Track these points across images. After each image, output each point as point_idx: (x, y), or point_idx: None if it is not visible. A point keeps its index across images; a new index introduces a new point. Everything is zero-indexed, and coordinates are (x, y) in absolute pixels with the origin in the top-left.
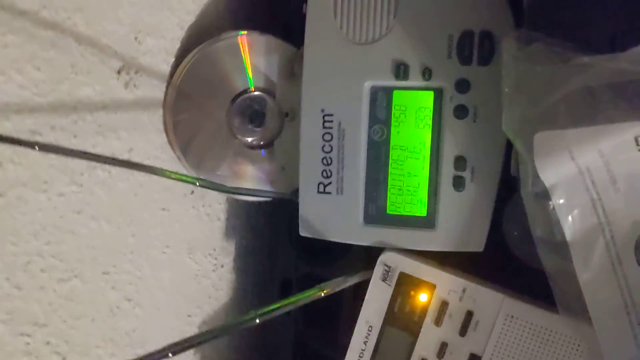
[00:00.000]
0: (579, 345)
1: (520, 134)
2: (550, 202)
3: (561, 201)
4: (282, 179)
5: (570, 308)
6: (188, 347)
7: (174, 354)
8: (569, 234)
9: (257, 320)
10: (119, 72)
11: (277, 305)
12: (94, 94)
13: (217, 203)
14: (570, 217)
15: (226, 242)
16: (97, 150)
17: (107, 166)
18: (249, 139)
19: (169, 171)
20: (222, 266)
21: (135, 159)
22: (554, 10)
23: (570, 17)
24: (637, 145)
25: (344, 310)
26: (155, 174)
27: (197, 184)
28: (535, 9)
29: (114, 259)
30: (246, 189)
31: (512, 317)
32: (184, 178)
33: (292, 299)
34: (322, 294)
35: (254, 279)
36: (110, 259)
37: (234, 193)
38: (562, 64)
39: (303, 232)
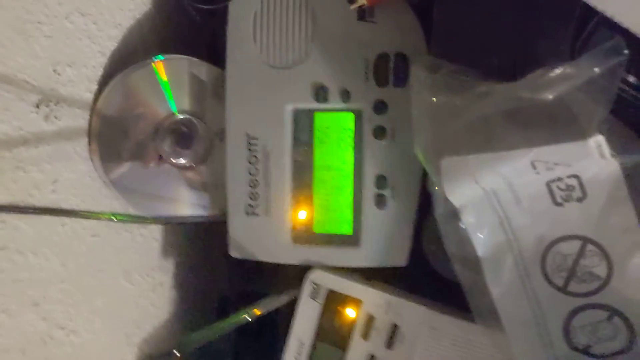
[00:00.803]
0: (497, 354)
1: (429, 158)
2: (460, 221)
3: (471, 220)
4: (216, 197)
5: (485, 319)
6: None
7: None
8: (480, 251)
9: (177, 353)
10: (37, 106)
11: (199, 336)
12: (11, 130)
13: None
14: (480, 235)
15: (164, 260)
16: (18, 185)
17: (29, 199)
18: (179, 161)
19: (82, 211)
20: (160, 284)
21: (61, 189)
22: (458, 38)
23: (473, 44)
24: (534, 169)
25: (280, 325)
26: (68, 216)
27: (115, 219)
28: (441, 36)
29: (44, 290)
30: (166, 217)
31: (434, 328)
32: (100, 216)
33: (219, 325)
34: (249, 319)
35: (195, 295)
36: (39, 291)
37: (154, 223)
38: (463, 92)
39: (233, 253)
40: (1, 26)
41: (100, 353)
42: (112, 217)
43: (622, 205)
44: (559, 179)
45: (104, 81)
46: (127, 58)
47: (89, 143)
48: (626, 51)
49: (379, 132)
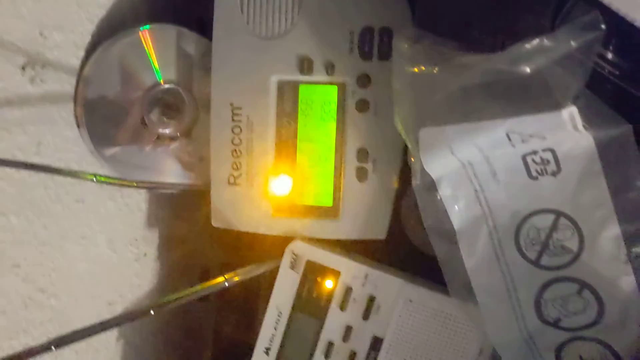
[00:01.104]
0: (470, 326)
1: (408, 130)
2: (437, 193)
3: (447, 192)
4: (201, 168)
5: (460, 292)
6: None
7: (56, 347)
8: (455, 223)
9: (152, 312)
10: (23, 68)
11: (179, 295)
12: None
13: (137, 193)
14: (456, 207)
15: (149, 231)
16: (1, 145)
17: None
18: (165, 131)
19: (65, 169)
20: (144, 255)
21: (45, 152)
22: (441, 10)
23: (454, 16)
24: (510, 140)
25: (260, 297)
26: (50, 172)
27: (95, 179)
28: (424, 8)
29: (25, 252)
30: (149, 182)
31: (410, 301)
32: (80, 175)
33: (195, 288)
34: (226, 283)
35: (178, 266)
36: (20, 252)
37: (137, 187)
38: (443, 64)
39: (215, 223)
40: None
41: (81, 318)
42: (94, 178)
43: (595, 180)
44: (534, 152)
45: (92, 48)
46: (116, 26)
47: (75, 109)
48: (603, 26)
49: (362, 106)
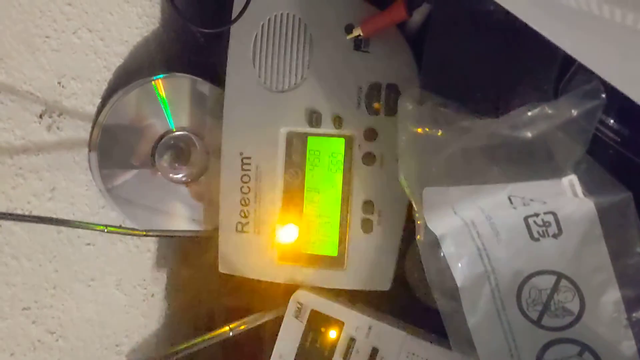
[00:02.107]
0: None
1: (412, 187)
2: (440, 250)
3: (451, 250)
4: (210, 213)
5: (462, 347)
6: None
7: None
8: (458, 280)
9: None
10: (40, 116)
11: (185, 345)
12: (14, 138)
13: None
14: (459, 264)
15: (157, 272)
16: (17, 192)
17: (27, 206)
18: (176, 176)
19: (76, 221)
20: (152, 295)
21: (59, 197)
22: (446, 72)
23: (460, 79)
24: (511, 203)
25: (265, 342)
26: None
27: (105, 230)
28: (430, 69)
29: (35, 295)
30: (157, 230)
31: (413, 354)
32: (93, 226)
33: (201, 337)
34: (231, 333)
35: (186, 307)
36: (31, 295)
37: (146, 235)
38: (447, 126)
39: (222, 269)
40: (9, 38)
41: None
42: (104, 229)
43: (595, 244)
44: (536, 215)
45: (109, 95)
46: (133, 73)
47: (89, 153)
48: (603, 95)
49: (368, 159)
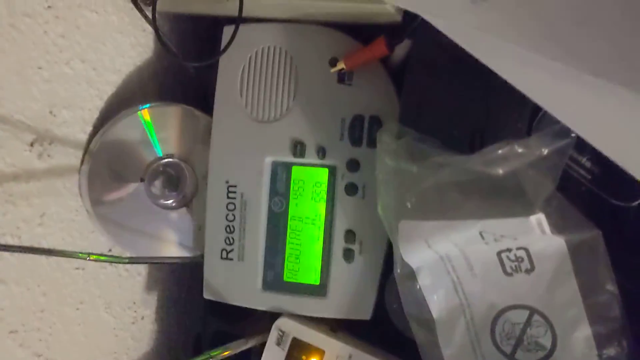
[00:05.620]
0: None
1: (390, 219)
2: (417, 282)
3: (426, 282)
4: (199, 238)
5: None
6: None
7: None
8: (434, 312)
9: None
10: (32, 144)
11: None
12: (4, 166)
13: None
14: (435, 297)
15: (147, 294)
16: (7, 218)
17: (17, 231)
18: (165, 202)
19: (58, 250)
20: (142, 318)
21: (48, 223)
22: (423, 108)
23: (437, 115)
24: (483, 239)
25: None
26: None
27: (87, 258)
28: (407, 104)
29: (23, 318)
30: (145, 257)
31: None
32: (74, 255)
33: None
34: None
35: (175, 330)
36: (18, 319)
37: (133, 262)
38: (422, 161)
39: (207, 295)
40: (2, 70)
41: None
42: (87, 256)
43: (566, 280)
44: (509, 250)
45: (100, 123)
46: (126, 101)
47: (79, 179)
48: (573, 135)
49: (351, 189)
